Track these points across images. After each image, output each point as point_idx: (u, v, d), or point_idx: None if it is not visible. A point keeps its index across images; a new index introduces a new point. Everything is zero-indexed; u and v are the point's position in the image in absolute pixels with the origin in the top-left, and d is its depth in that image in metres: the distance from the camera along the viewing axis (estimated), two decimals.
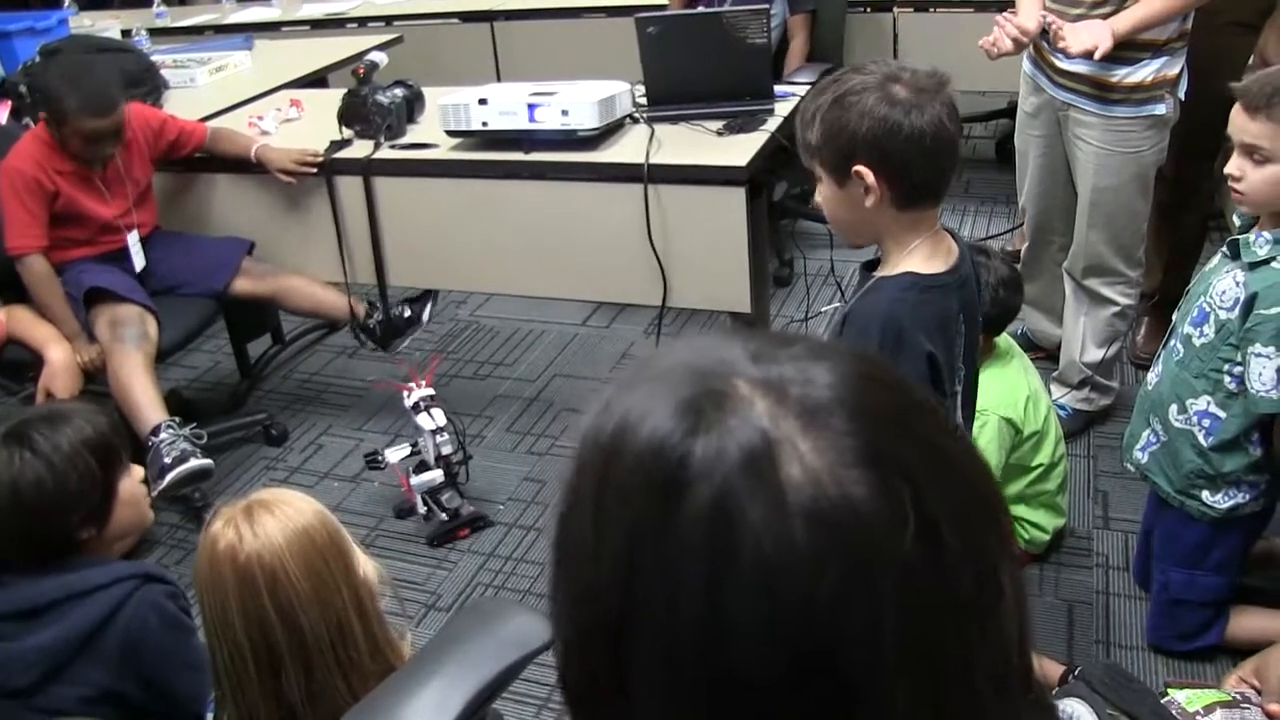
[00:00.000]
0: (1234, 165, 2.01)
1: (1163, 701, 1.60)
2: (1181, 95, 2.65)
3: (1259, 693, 1.58)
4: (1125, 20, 2.50)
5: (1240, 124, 1.98)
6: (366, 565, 1.50)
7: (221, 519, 1.45)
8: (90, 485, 1.72)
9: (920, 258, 1.64)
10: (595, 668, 0.55)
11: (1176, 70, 2.60)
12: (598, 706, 0.57)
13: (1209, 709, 1.47)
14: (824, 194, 1.66)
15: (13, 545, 1.70)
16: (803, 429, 0.51)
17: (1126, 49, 2.52)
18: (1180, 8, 2.51)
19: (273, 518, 1.42)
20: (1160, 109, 2.63)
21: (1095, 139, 2.69)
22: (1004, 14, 2.64)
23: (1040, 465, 2.52)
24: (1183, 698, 1.51)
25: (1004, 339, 2.60)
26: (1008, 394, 2.46)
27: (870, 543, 0.49)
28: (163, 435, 2.85)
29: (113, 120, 2.86)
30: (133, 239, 3.08)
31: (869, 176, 1.56)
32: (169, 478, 2.80)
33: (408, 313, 3.30)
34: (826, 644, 0.49)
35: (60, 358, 2.86)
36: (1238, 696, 1.46)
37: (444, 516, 2.93)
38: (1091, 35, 2.47)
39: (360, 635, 1.43)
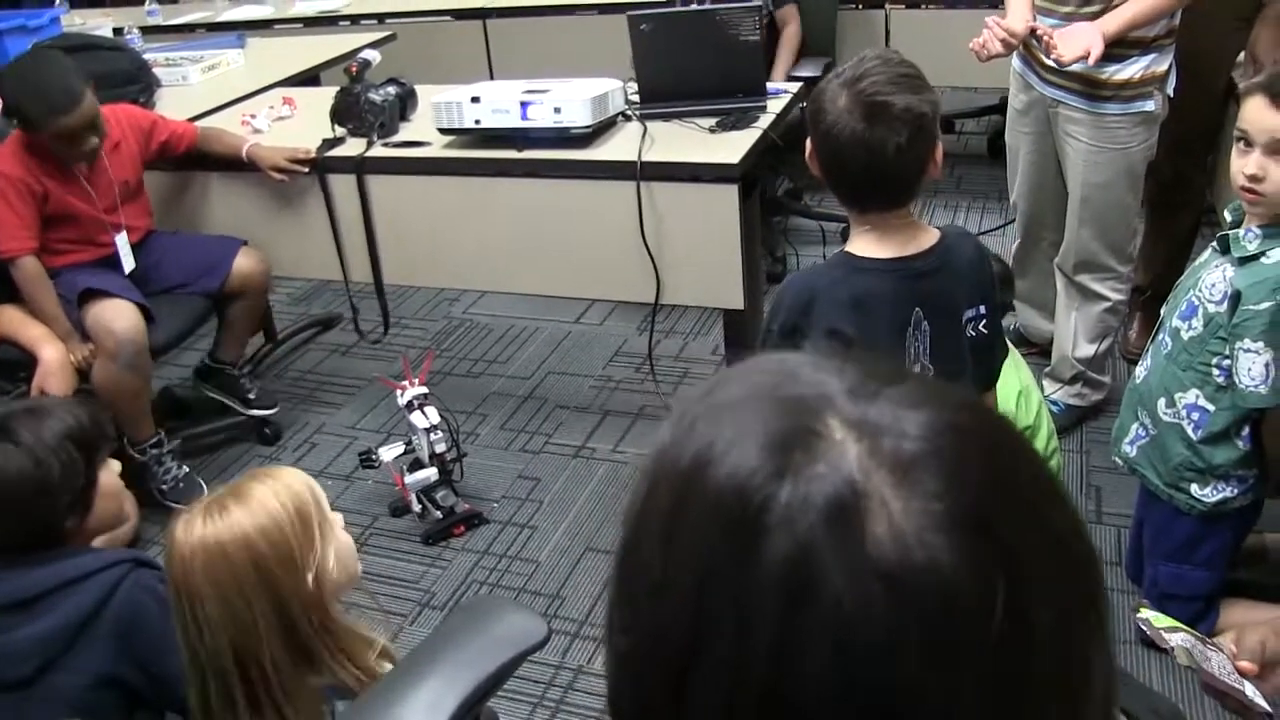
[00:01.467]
0: (1254, 165, 1.96)
1: (1136, 619, 1.62)
2: (1170, 92, 2.66)
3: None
4: (1114, 21, 2.50)
5: (1268, 121, 1.93)
6: (338, 564, 1.49)
7: (186, 512, 1.49)
8: (74, 475, 1.75)
9: (866, 242, 1.76)
10: (651, 700, 0.52)
11: (1165, 67, 2.61)
12: None
13: (1172, 630, 1.48)
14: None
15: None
16: (894, 484, 0.47)
17: (1115, 46, 2.52)
18: (1169, 6, 2.52)
19: (206, 521, 1.44)
20: (1149, 105, 2.64)
21: (1084, 136, 2.70)
22: (992, 17, 2.65)
23: None
24: (1150, 615, 1.53)
25: None
26: (999, 390, 2.47)
27: (953, 617, 0.46)
28: (151, 453, 3.06)
29: (81, 112, 2.83)
30: (121, 240, 3.07)
31: (815, 166, 1.74)
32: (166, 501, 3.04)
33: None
34: (893, 713, 0.46)
35: (54, 357, 2.86)
36: (1209, 641, 1.48)
37: (439, 514, 2.93)
38: (1082, 41, 2.48)
39: (274, 657, 1.42)
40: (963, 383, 1.87)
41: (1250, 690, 1.41)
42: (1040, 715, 0.49)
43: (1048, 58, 2.59)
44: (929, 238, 1.76)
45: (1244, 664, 1.44)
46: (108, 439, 1.89)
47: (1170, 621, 1.52)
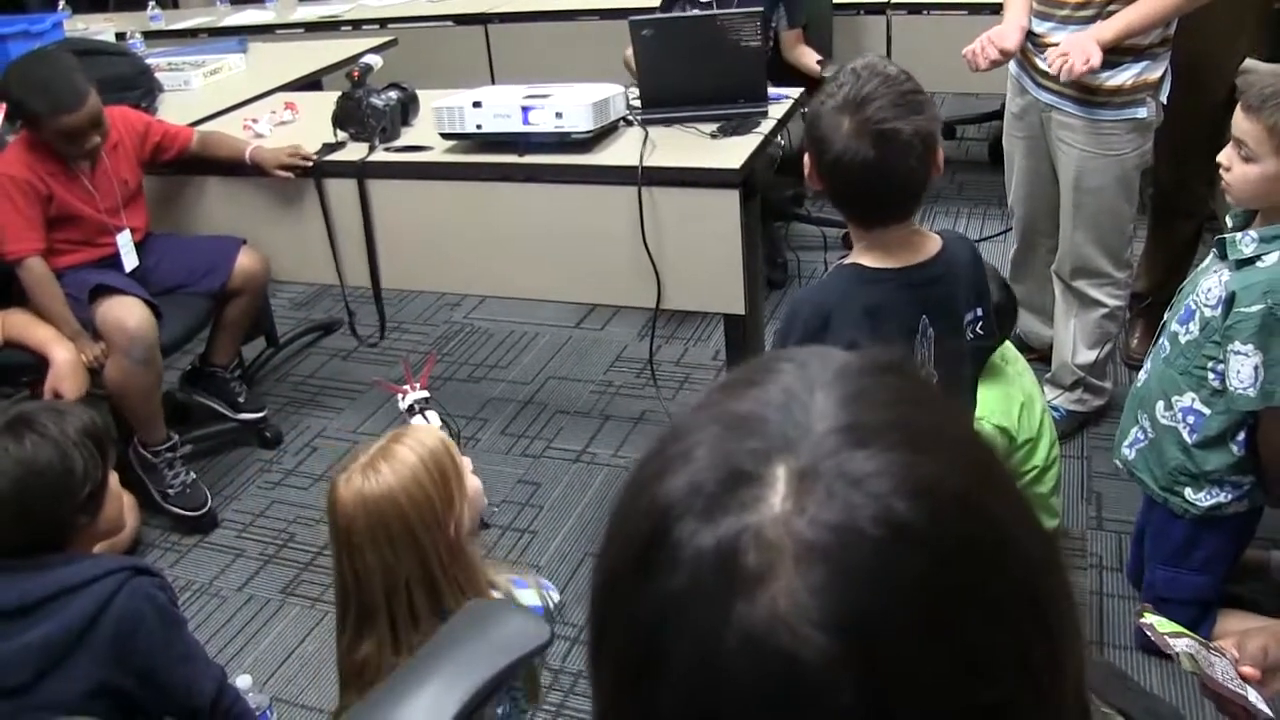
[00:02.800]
0: (1224, 154, 2.06)
1: (1139, 623, 1.62)
2: (1164, 99, 2.67)
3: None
4: (1110, 29, 2.51)
5: (1236, 119, 2.03)
6: (469, 508, 1.68)
7: (353, 460, 1.65)
8: (93, 469, 1.80)
9: (874, 253, 1.76)
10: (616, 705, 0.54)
11: (1158, 74, 2.62)
12: None
13: (1177, 635, 1.48)
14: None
15: (18, 528, 1.74)
16: (795, 560, 0.46)
17: (1108, 53, 2.53)
18: (1164, 15, 2.52)
19: (369, 482, 1.59)
20: (1141, 112, 2.64)
21: (1078, 141, 2.71)
22: (988, 34, 2.66)
23: (1034, 468, 2.53)
24: (1155, 620, 1.53)
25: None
26: (1000, 402, 2.47)
27: (798, 706, 0.45)
28: (165, 455, 3.08)
29: (86, 112, 2.84)
30: (123, 239, 3.08)
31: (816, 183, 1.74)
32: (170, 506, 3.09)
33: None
34: None
35: (66, 358, 2.85)
36: (1212, 645, 1.48)
37: None
38: (1080, 53, 2.48)
39: (414, 594, 1.60)
40: (962, 387, 1.89)
41: (1253, 695, 1.41)
42: None
43: (1049, 69, 2.59)
44: (933, 244, 1.78)
45: (1247, 669, 1.44)
46: (114, 441, 1.93)
47: (1174, 626, 1.52)
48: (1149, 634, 1.52)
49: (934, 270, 1.75)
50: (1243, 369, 1.99)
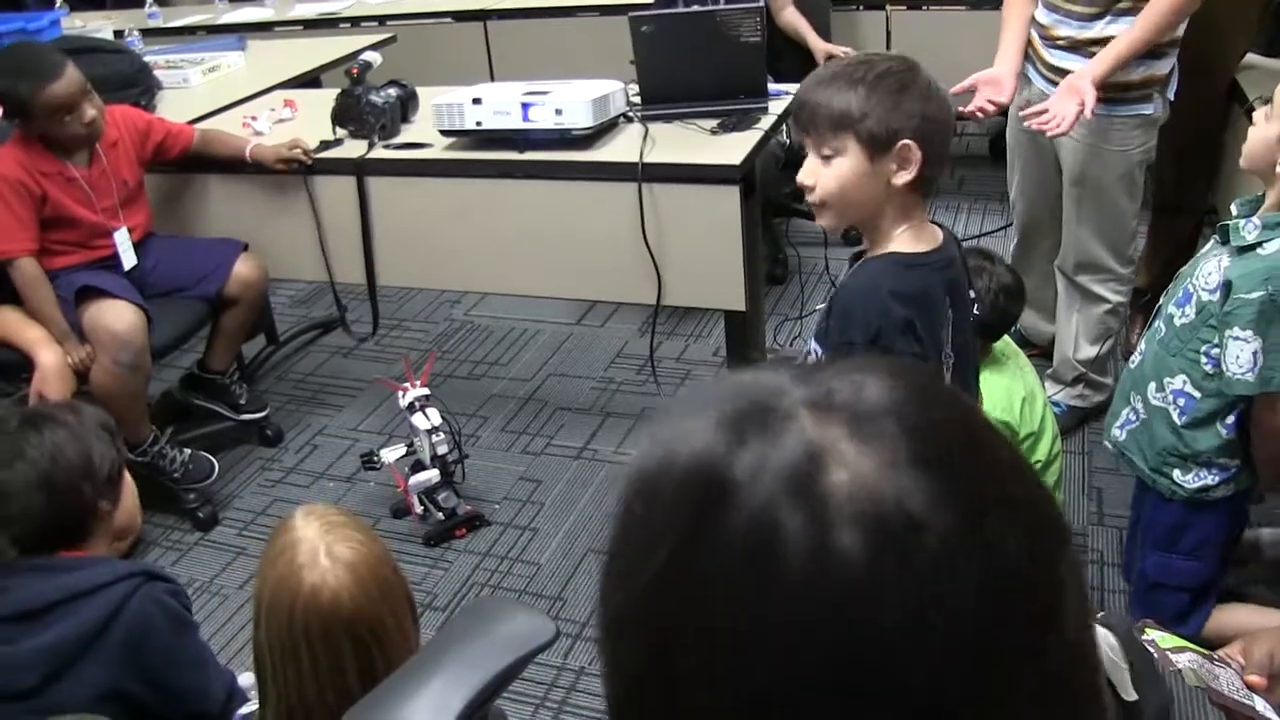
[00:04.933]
0: (1258, 113, 2.07)
1: (1141, 640, 1.61)
2: (1171, 95, 2.66)
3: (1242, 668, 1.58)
4: (1103, 64, 2.52)
5: None
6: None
7: (298, 553, 1.42)
8: (109, 452, 1.84)
9: (906, 240, 1.72)
10: (644, 695, 0.54)
11: (1166, 70, 2.61)
12: None
13: (1179, 650, 1.47)
14: (841, 168, 1.67)
15: (47, 515, 1.76)
16: (850, 435, 0.49)
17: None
18: (1156, 36, 2.51)
19: (353, 545, 1.41)
20: (1148, 109, 2.64)
21: (1084, 136, 2.70)
22: (981, 82, 2.66)
23: (1036, 463, 2.53)
24: (1157, 636, 1.52)
25: (1001, 340, 2.61)
26: (1003, 397, 2.47)
27: (926, 552, 0.47)
28: (152, 450, 3.07)
29: (67, 83, 2.83)
30: (120, 236, 3.06)
31: (915, 152, 1.63)
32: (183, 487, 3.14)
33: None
34: (873, 656, 0.47)
35: (51, 361, 2.85)
36: (1215, 656, 1.47)
37: (441, 516, 2.93)
38: (1073, 99, 2.49)
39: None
40: (974, 367, 1.93)
41: (1261, 705, 1.40)
42: (1016, 642, 0.50)
43: (1032, 126, 2.60)
44: (940, 230, 1.78)
45: (1253, 678, 1.43)
46: (119, 433, 1.96)
47: (1176, 641, 1.51)
48: (1152, 650, 1.51)
49: (949, 252, 1.76)
50: (1241, 354, 1.99)
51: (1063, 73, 2.65)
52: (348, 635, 1.36)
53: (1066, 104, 2.48)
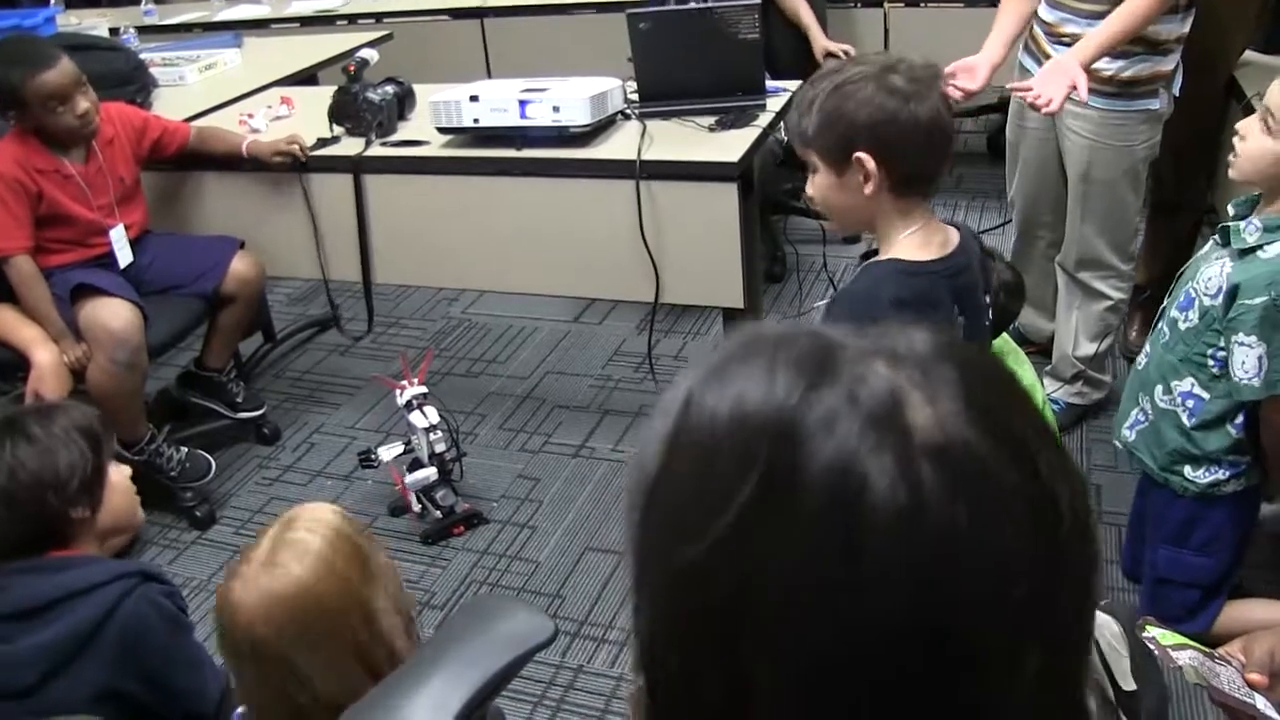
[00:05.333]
0: (1244, 122, 2.03)
1: (1142, 637, 1.60)
2: (1176, 91, 2.66)
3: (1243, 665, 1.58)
4: (1088, 50, 2.49)
5: (1273, 90, 1.97)
6: (392, 593, 1.43)
7: (245, 562, 1.40)
8: (80, 462, 1.79)
9: (911, 246, 1.68)
10: (699, 663, 0.53)
11: (1171, 66, 2.61)
12: (700, 711, 0.54)
13: (1180, 647, 1.47)
14: (819, 182, 1.69)
15: (13, 526, 1.75)
16: (922, 380, 0.51)
17: (1124, 45, 2.52)
18: (1137, 26, 2.49)
19: (285, 572, 1.36)
20: (1154, 104, 2.63)
21: (1088, 131, 2.70)
22: (955, 65, 2.62)
23: None
24: (1157, 633, 1.52)
25: (999, 337, 2.60)
26: None
27: (996, 490, 0.50)
28: (149, 449, 3.06)
29: (60, 73, 2.82)
30: (116, 234, 3.05)
31: (869, 163, 1.60)
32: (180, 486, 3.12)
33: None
34: (958, 595, 0.49)
35: (47, 360, 2.84)
36: (1217, 654, 1.46)
37: (438, 514, 2.92)
38: (1063, 79, 2.45)
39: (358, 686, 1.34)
40: None
41: (1262, 703, 1.39)
42: (1077, 605, 0.53)
43: (1036, 108, 2.57)
44: (953, 234, 1.74)
45: (1254, 676, 1.43)
46: (110, 433, 1.94)
47: (1176, 638, 1.50)
48: (1152, 648, 1.51)
49: (961, 259, 1.72)
50: (1247, 360, 1.99)
51: None
52: (273, 658, 1.33)
53: (1055, 83, 2.45)
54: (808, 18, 3.96)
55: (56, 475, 1.76)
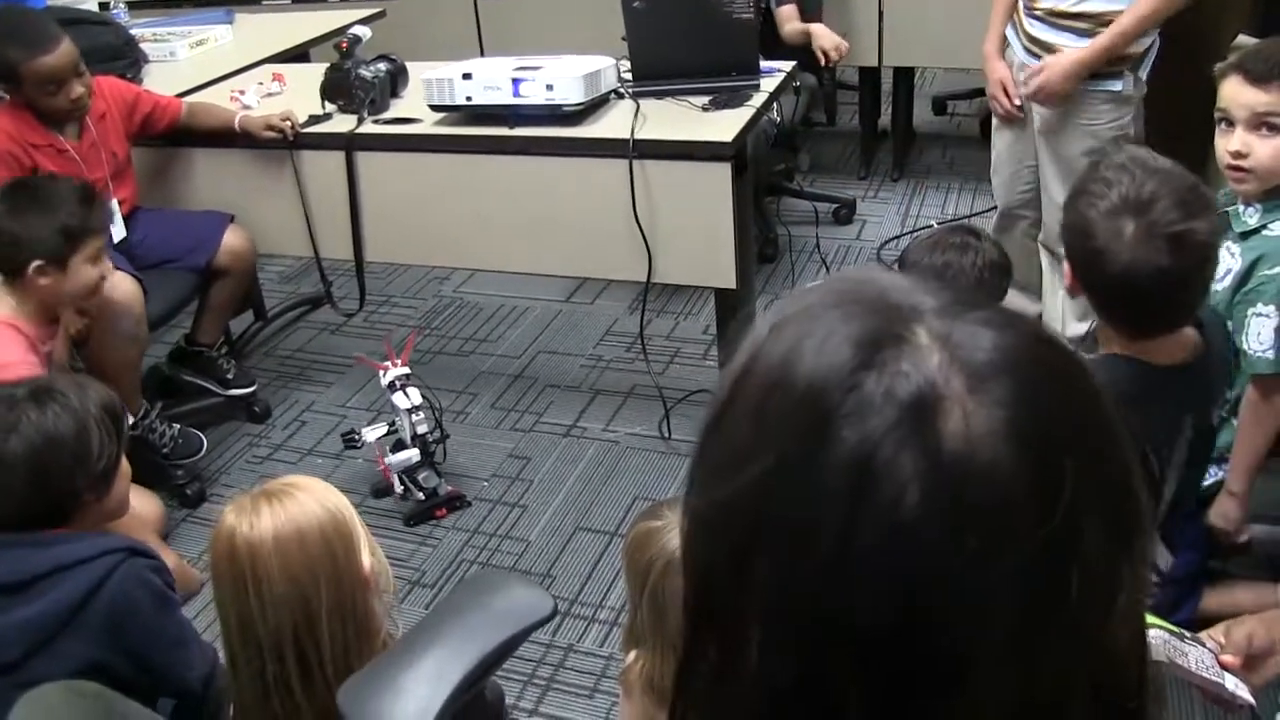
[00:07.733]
0: (1238, 142, 1.96)
1: None
2: (1144, 75, 2.68)
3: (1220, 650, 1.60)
4: (1092, 52, 2.55)
5: (1246, 98, 1.94)
6: (374, 565, 1.49)
7: (233, 505, 1.46)
8: (108, 444, 1.80)
9: (1133, 350, 1.64)
10: (715, 590, 0.55)
11: (1140, 49, 2.62)
12: (715, 631, 0.56)
13: (1148, 627, 1.48)
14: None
15: (28, 496, 1.74)
16: (969, 390, 0.50)
17: (1086, 24, 2.55)
18: (1139, 30, 2.54)
19: (272, 511, 1.42)
20: (1118, 85, 2.66)
21: (1053, 108, 2.75)
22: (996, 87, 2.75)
23: None
24: None
25: None
26: None
27: (1008, 520, 0.49)
28: (142, 424, 3.02)
29: (59, 56, 2.80)
30: (111, 209, 3.04)
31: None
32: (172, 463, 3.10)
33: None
34: (941, 608, 0.49)
35: None
36: (1188, 635, 1.47)
37: (420, 495, 2.91)
38: (1064, 76, 2.52)
39: (332, 635, 1.42)
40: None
41: (1231, 683, 1.41)
42: (1073, 633, 0.52)
43: (1035, 98, 2.62)
44: (1190, 335, 1.65)
45: (1227, 658, 1.44)
46: (125, 420, 1.93)
47: (1145, 618, 1.51)
48: None
49: (1197, 369, 1.64)
50: (1264, 331, 1.95)
51: (1040, 43, 2.67)
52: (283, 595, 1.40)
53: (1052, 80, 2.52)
54: (801, 26, 3.91)
55: (88, 453, 1.76)
